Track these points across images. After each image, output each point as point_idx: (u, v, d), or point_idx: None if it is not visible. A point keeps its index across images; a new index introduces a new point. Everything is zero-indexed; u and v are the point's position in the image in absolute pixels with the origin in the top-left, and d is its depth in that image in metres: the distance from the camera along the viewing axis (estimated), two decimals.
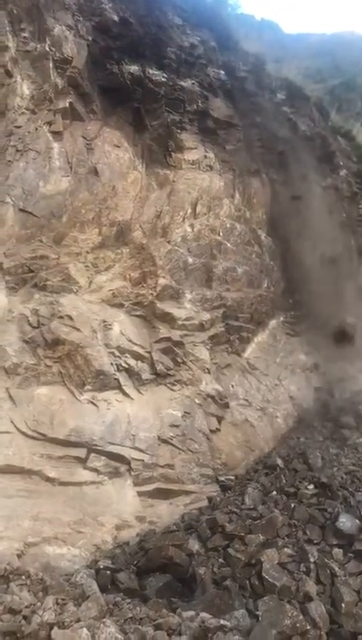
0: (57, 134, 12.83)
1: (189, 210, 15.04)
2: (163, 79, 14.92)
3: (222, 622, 6.20)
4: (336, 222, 19.11)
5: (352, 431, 13.10)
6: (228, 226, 15.86)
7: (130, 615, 7.00)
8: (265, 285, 16.37)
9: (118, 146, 13.88)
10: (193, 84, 16.31)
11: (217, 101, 17.08)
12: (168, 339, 13.12)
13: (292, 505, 10.65)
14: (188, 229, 14.89)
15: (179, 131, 15.28)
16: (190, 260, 14.51)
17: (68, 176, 12.76)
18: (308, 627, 7.08)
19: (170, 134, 15.04)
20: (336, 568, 9.30)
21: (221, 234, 15.59)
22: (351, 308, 17.64)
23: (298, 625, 6.86)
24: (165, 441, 11.91)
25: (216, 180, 15.99)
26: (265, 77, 19.49)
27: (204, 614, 6.59)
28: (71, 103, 13.04)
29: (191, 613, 6.67)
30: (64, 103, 12.97)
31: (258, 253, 16.34)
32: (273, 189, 17.58)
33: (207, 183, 15.65)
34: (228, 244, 15.64)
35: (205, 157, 15.97)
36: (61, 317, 11.67)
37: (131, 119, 14.45)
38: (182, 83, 15.70)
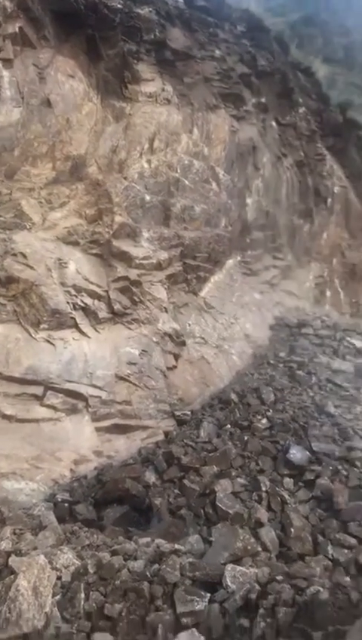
0: (7, 62, 12.14)
1: (146, 146, 14.66)
2: (118, 5, 14.21)
3: (176, 546, 6.46)
4: (293, 161, 18.98)
5: (303, 367, 13.47)
6: (185, 162, 15.56)
7: (87, 542, 7.22)
8: (223, 224, 16.26)
9: (72, 76, 13.28)
10: (150, 12, 15.65)
11: (175, 31, 16.47)
12: (125, 278, 13.01)
13: (246, 438, 11.00)
14: (145, 165, 14.56)
15: (135, 62, 14.72)
16: (147, 197, 14.26)
17: (19, 107, 12.18)
18: (259, 549, 7.44)
19: (126, 65, 14.47)
20: (287, 496, 9.73)
21: (178, 171, 15.30)
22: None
23: (249, 547, 7.21)
24: (122, 379, 12.00)
25: (173, 114, 15.57)
26: (225, 7, 18.79)
27: (159, 540, 6.85)
28: (21, 28, 12.31)
29: (147, 539, 6.92)
30: (13, 28, 12.22)
31: (216, 192, 16.14)
32: (232, 125, 17.23)
33: (164, 118, 15.23)
34: (186, 182, 15.39)
35: (163, 90, 15.48)
36: (14, 254, 11.40)
37: (86, 48, 13.79)
38: (139, 10, 15.04)
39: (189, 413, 12.41)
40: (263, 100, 18.77)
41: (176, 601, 5.49)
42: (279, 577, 5.88)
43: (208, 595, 5.63)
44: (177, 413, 12.38)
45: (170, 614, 5.36)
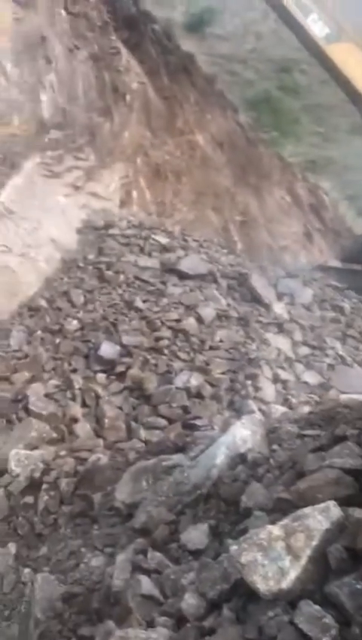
0: None
1: None
2: None
3: None
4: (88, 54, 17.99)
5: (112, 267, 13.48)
6: None
7: None
8: (16, 123, 15.14)
9: None
10: None
11: None
12: None
13: (57, 341, 10.94)
14: None
15: None
16: None
17: None
18: (55, 435, 7.61)
19: None
20: (100, 390, 9.93)
21: None
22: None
23: (44, 435, 7.29)
24: None
25: None
26: None
27: None
28: None
29: None
30: None
31: (4, 87, 14.87)
32: (15, 12, 15.71)
33: None
34: None
35: None
36: None
37: None
38: None
39: None
40: None
41: None
42: (63, 453, 6.05)
43: None
44: None
45: None
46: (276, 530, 2.60)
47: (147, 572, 3.40)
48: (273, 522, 3.18)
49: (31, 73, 15.97)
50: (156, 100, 20.33)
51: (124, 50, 19.32)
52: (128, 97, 19.14)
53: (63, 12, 17.61)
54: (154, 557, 3.55)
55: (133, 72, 19.49)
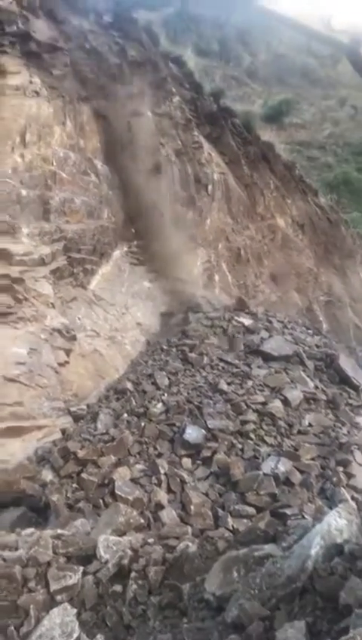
0: None
1: (18, 140, 14.22)
2: None
3: (59, 531, 6.27)
4: (172, 150, 19.11)
5: (195, 350, 13.61)
6: (61, 155, 15.26)
7: None
8: (106, 216, 16.12)
9: None
10: (10, 3, 15.23)
11: (39, 22, 16.13)
12: (6, 276, 12.54)
13: (143, 424, 10.97)
14: (19, 160, 14.12)
15: None
16: (23, 192, 13.84)
17: None
18: (142, 521, 7.45)
19: None
20: (186, 476, 9.80)
21: (54, 163, 14.99)
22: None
23: (131, 520, 7.16)
24: (11, 380, 11.54)
25: (44, 106, 15.21)
26: None
27: (46, 531, 6.62)
28: None
29: (31, 530, 6.66)
30: None
31: (95, 183, 15.97)
32: (105, 117, 17.11)
33: (34, 110, 14.84)
34: (63, 174, 15.10)
35: (30, 82, 15.08)
36: None
37: None
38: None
39: (85, 407, 12.16)
40: (136, 90, 18.78)
41: (50, 580, 5.37)
42: (151, 540, 5.89)
43: (81, 568, 5.56)
44: (73, 409, 12.08)
45: (43, 594, 5.20)
46: None
47: None
48: None
49: (119, 169, 17.09)
50: (237, 188, 21.14)
51: (205, 145, 20.42)
52: (210, 187, 20.03)
53: (149, 113, 18.93)
54: None
55: (214, 163, 20.46)
